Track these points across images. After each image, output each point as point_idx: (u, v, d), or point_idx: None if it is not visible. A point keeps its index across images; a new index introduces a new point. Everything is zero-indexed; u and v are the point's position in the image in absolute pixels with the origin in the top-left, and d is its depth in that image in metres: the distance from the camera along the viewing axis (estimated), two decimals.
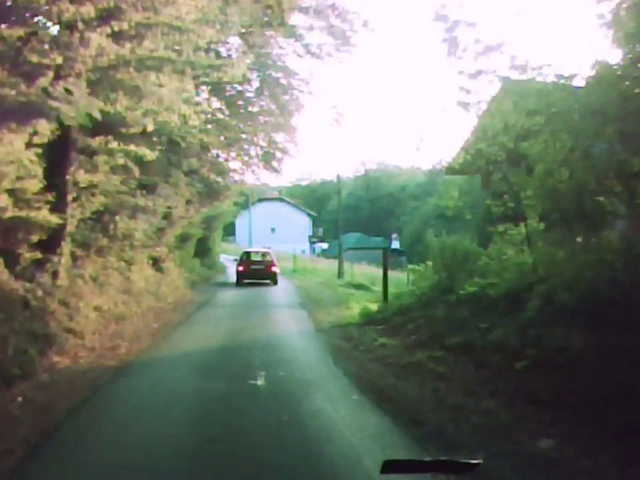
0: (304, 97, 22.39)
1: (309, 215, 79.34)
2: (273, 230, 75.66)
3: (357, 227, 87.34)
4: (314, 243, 78.61)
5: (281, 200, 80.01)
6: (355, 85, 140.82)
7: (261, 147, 23.42)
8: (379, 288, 21.37)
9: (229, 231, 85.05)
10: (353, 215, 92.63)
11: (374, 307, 17.13)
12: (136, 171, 15.17)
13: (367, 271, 35.79)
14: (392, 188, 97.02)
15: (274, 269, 31.40)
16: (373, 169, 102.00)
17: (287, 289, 29.14)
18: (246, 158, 23.29)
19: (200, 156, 20.57)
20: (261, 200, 76.02)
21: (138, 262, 18.67)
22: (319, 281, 33.19)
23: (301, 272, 38.47)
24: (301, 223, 76.17)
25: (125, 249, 17.10)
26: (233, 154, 22.98)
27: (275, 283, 30.93)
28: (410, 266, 22.74)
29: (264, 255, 33.10)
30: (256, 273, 30.95)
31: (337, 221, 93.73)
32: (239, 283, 30.20)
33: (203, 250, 35.32)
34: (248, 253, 32.99)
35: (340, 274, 35.36)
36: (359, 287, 27.81)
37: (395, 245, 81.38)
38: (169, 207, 19.60)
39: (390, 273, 19.12)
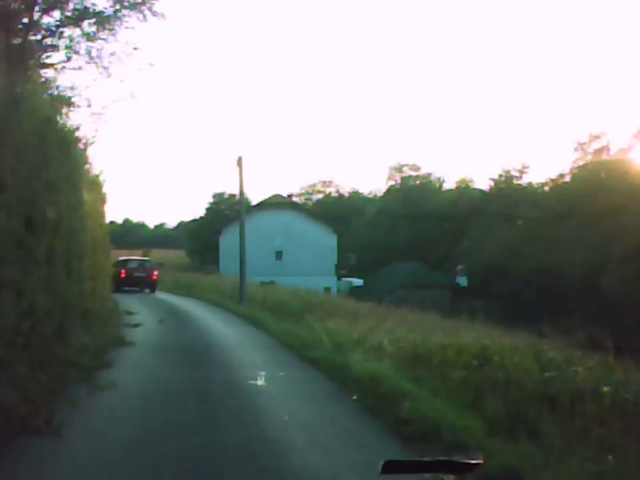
0: None
1: (334, 232, 51.35)
2: (278, 255, 48.17)
3: (392, 255, 60.35)
4: (341, 276, 50.75)
5: (293, 206, 52.58)
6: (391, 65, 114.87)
7: None
8: None
9: (209, 257, 58.02)
10: (386, 240, 65.59)
11: None
12: None
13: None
14: (438, 204, 69.64)
15: (155, 275, 32.69)
16: (411, 175, 74.64)
17: None
18: None
19: None
20: (259, 206, 48.63)
21: None
22: None
23: None
24: (323, 244, 48.23)
25: None
26: None
27: (153, 290, 31.84)
28: None
29: (144, 262, 34.27)
30: (137, 280, 31.61)
31: (368, 247, 67.29)
32: (119, 290, 28.73)
33: None
34: (126, 261, 32.88)
35: None
36: None
37: (462, 281, 54.15)
38: None
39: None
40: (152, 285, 32.22)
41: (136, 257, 36.69)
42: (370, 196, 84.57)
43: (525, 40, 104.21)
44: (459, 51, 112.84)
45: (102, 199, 17.97)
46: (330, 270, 48.05)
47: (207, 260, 58.37)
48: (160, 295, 30.63)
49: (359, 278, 52.72)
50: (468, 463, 2.50)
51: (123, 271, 30.87)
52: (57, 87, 20.53)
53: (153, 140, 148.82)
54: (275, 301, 22.45)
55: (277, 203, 49.46)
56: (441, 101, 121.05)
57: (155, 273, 33.07)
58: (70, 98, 21.23)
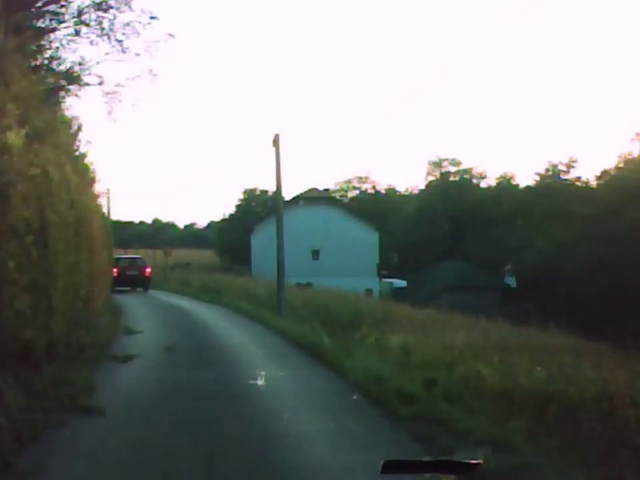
0: None
1: (375, 229, 48.14)
2: (314, 254, 45.09)
3: (434, 254, 57.34)
4: (382, 277, 47.44)
5: (330, 201, 49.44)
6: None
7: None
8: None
9: (239, 257, 55.02)
10: (427, 238, 62.05)
11: None
12: None
13: None
14: (481, 201, 65.80)
15: (147, 273, 31.99)
16: (451, 171, 70.88)
17: None
18: None
19: None
20: (295, 200, 45.44)
21: None
22: None
23: None
24: (363, 242, 45.06)
25: None
26: None
27: (146, 289, 31.18)
28: None
29: (135, 260, 33.14)
30: (130, 279, 30.77)
31: (408, 246, 63.76)
32: (112, 291, 24.98)
33: None
34: (117, 259, 30.65)
35: None
36: None
37: (510, 282, 50.55)
38: None
39: None
40: (145, 284, 31.41)
41: (130, 255, 35.55)
42: (407, 192, 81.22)
43: (569, 26, 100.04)
44: (501, 40, 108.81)
45: (86, 179, 14.18)
46: (371, 270, 44.84)
47: (238, 260, 55.49)
48: (180, 300, 27.12)
49: (400, 278, 49.43)
50: (468, 463, 2.45)
51: (114, 270, 28.16)
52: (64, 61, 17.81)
53: (182, 135, 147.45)
54: (318, 309, 19.12)
55: (313, 198, 46.34)
56: (479, 93, 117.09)
57: (148, 270, 32.26)
58: (78, 75, 18.52)
